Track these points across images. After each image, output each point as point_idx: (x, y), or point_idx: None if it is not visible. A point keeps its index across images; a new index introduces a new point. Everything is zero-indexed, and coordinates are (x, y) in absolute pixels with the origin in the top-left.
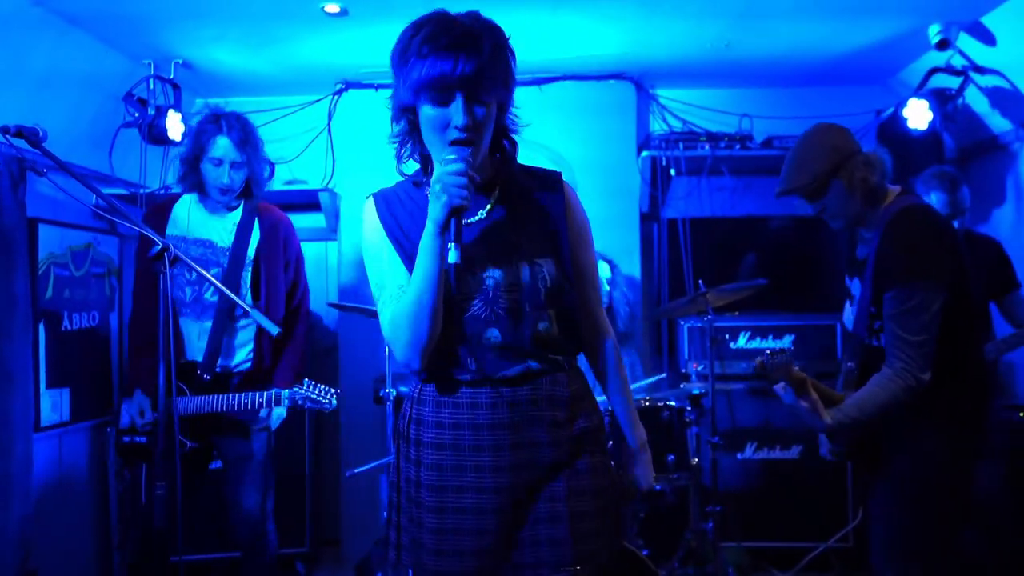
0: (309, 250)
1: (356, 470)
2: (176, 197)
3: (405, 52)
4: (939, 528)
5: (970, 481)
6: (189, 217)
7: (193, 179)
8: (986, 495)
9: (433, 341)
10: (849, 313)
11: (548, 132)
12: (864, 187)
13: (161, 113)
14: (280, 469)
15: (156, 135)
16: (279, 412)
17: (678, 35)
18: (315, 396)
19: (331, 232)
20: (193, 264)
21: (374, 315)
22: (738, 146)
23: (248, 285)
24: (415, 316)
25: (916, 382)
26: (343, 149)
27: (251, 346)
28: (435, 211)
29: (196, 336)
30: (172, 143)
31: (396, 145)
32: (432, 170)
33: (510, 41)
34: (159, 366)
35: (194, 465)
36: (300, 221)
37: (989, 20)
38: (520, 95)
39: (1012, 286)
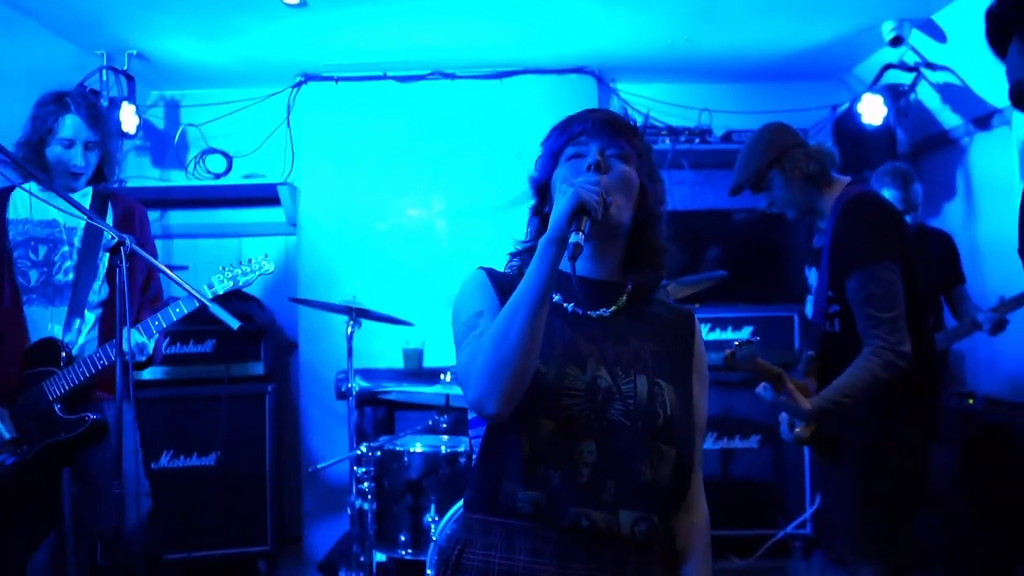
0: (268, 245)
1: (319, 465)
2: (12, 187)
3: (544, 144)
4: (897, 511)
5: (925, 465)
6: (31, 200)
7: (37, 165)
8: (940, 482)
9: (520, 378)
10: (810, 303)
11: (509, 126)
12: (801, 176)
13: (115, 105)
14: (241, 466)
15: None
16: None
17: (639, 30)
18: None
19: (290, 226)
20: (151, 259)
21: (336, 310)
22: (698, 140)
23: (104, 274)
24: (503, 334)
25: (896, 355)
26: (302, 142)
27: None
28: (558, 206)
29: (48, 324)
30: (127, 136)
31: (523, 253)
32: None
33: (647, 143)
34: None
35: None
36: (259, 216)
37: (940, 17)
38: (481, 89)
39: (958, 280)
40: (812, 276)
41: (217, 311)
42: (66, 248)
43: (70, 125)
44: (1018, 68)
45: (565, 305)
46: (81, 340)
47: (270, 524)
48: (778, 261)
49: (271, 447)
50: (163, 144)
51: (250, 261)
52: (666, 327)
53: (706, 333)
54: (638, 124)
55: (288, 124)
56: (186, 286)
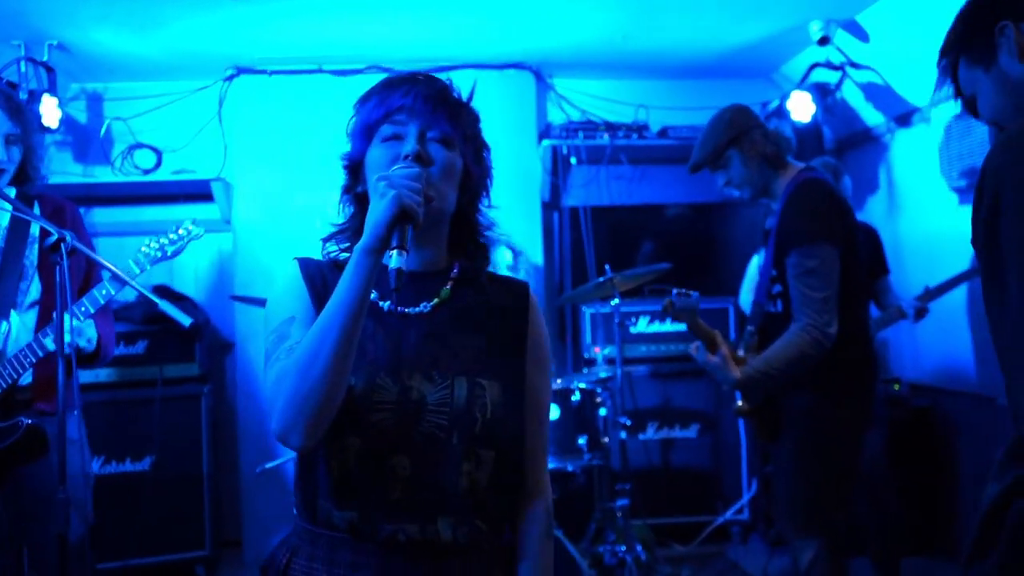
0: (201, 242)
1: (267, 465)
2: None
3: (356, 109)
4: (833, 491)
5: (860, 446)
6: None
7: None
8: (869, 463)
9: (328, 408)
10: (745, 292)
11: None
12: (759, 156)
13: (35, 98)
14: (177, 470)
15: None
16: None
17: (576, 26)
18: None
19: (224, 223)
20: (93, 256)
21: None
22: (635, 135)
23: (33, 274)
24: (312, 358)
25: (822, 335)
26: (235, 136)
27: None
28: (376, 211)
29: None
30: (48, 130)
31: (337, 236)
32: None
33: (476, 115)
34: None
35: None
36: (192, 212)
37: (863, 18)
38: None
39: (882, 271)
40: (753, 263)
41: (168, 308)
42: None
43: None
44: (967, 84)
45: (381, 304)
46: (10, 343)
47: (208, 528)
48: (713, 254)
49: (208, 449)
50: (86, 139)
51: (177, 228)
52: (496, 313)
53: (645, 326)
54: (467, 100)
55: (220, 118)
56: (126, 278)
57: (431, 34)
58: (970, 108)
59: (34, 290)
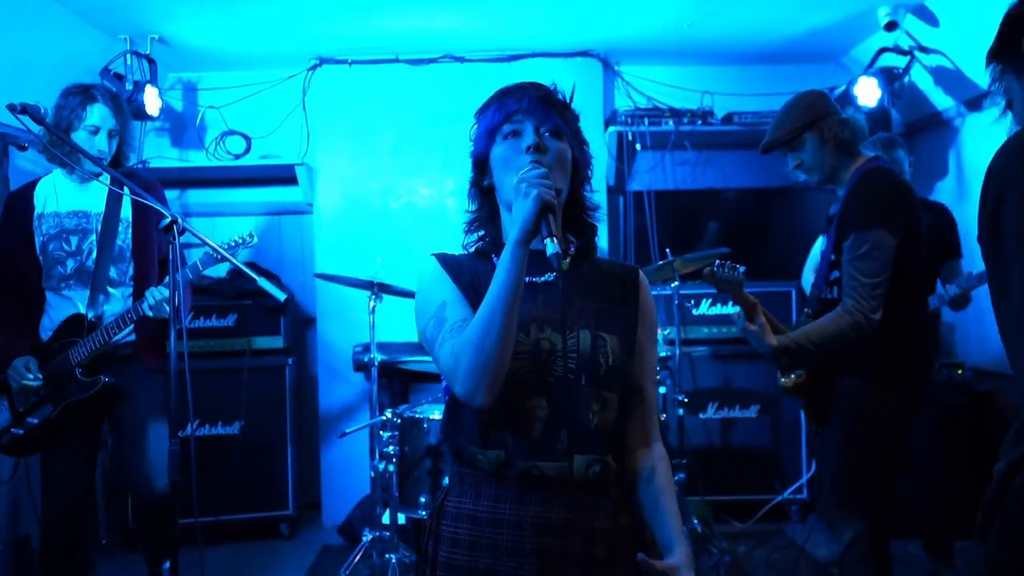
0: (286, 223)
1: (347, 431)
2: (35, 181)
3: (478, 116)
4: (875, 473)
5: (907, 433)
6: (57, 193)
7: (63, 151)
8: (919, 448)
9: (502, 371)
10: (807, 274)
11: None
12: (835, 141)
13: (139, 88)
14: (263, 435)
15: (134, 110)
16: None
17: (643, 15)
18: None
19: (307, 205)
20: (202, 237)
21: (359, 285)
22: (700, 122)
23: (130, 249)
24: (484, 334)
25: (865, 320)
26: (318, 123)
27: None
28: (523, 209)
29: (85, 305)
30: (150, 118)
31: (468, 221)
32: (496, 247)
33: (576, 115)
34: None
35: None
36: (277, 195)
37: (932, 3)
38: (492, 71)
39: (954, 254)
40: (816, 246)
41: (264, 284)
42: (93, 236)
43: (97, 114)
44: (1008, 89)
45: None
46: (108, 316)
47: (291, 490)
48: (775, 238)
49: (291, 416)
50: (181, 125)
51: (242, 236)
52: (611, 283)
53: (706, 308)
54: (567, 98)
55: (304, 106)
56: (228, 256)
57: (502, 24)
58: (1012, 111)
59: (131, 268)
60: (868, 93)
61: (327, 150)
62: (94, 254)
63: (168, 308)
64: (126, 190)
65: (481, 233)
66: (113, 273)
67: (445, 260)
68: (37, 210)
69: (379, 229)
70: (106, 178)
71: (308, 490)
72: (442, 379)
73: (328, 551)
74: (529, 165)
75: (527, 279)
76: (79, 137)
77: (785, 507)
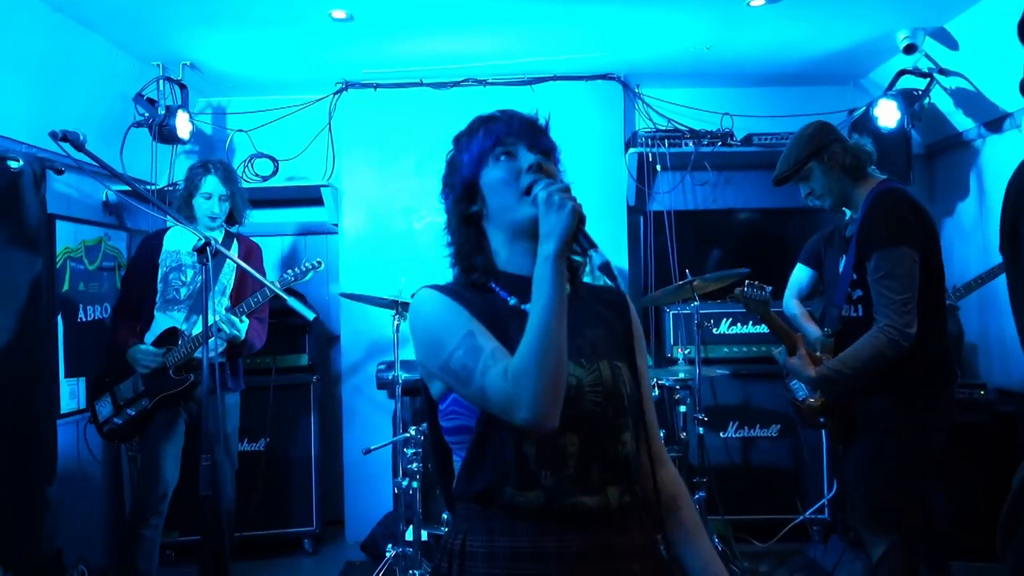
0: (312, 243)
1: (373, 447)
2: (166, 229)
3: (454, 150)
4: (904, 488)
5: (935, 447)
6: (181, 236)
7: (186, 213)
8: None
9: (564, 386)
10: (788, 298)
11: None
12: (839, 168)
13: (171, 113)
14: (288, 452)
15: (166, 134)
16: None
17: (662, 37)
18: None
19: (332, 226)
20: (232, 256)
21: (384, 305)
22: (720, 143)
23: (231, 288)
24: (544, 353)
25: (901, 336)
26: (343, 145)
27: (223, 346)
28: (559, 222)
29: (184, 323)
30: (181, 141)
31: (454, 252)
32: (489, 274)
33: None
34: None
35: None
36: (302, 215)
37: (952, 26)
38: (514, 94)
39: None
40: (838, 263)
41: (295, 304)
42: (200, 279)
43: (211, 183)
44: None
45: (522, 307)
46: (196, 330)
47: (315, 506)
48: (795, 258)
49: (316, 434)
50: (211, 148)
51: (308, 262)
52: (604, 307)
53: (726, 327)
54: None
55: (330, 129)
56: (270, 285)
57: (524, 48)
58: None
59: (226, 300)
60: (888, 115)
61: (352, 172)
62: (195, 285)
63: (228, 330)
64: (235, 242)
65: (470, 264)
66: (214, 301)
67: (445, 290)
68: (165, 248)
69: (403, 249)
70: (219, 235)
71: (332, 507)
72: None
73: (351, 567)
74: (545, 180)
75: (525, 307)
76: (198, 202)
77: (806, 527)
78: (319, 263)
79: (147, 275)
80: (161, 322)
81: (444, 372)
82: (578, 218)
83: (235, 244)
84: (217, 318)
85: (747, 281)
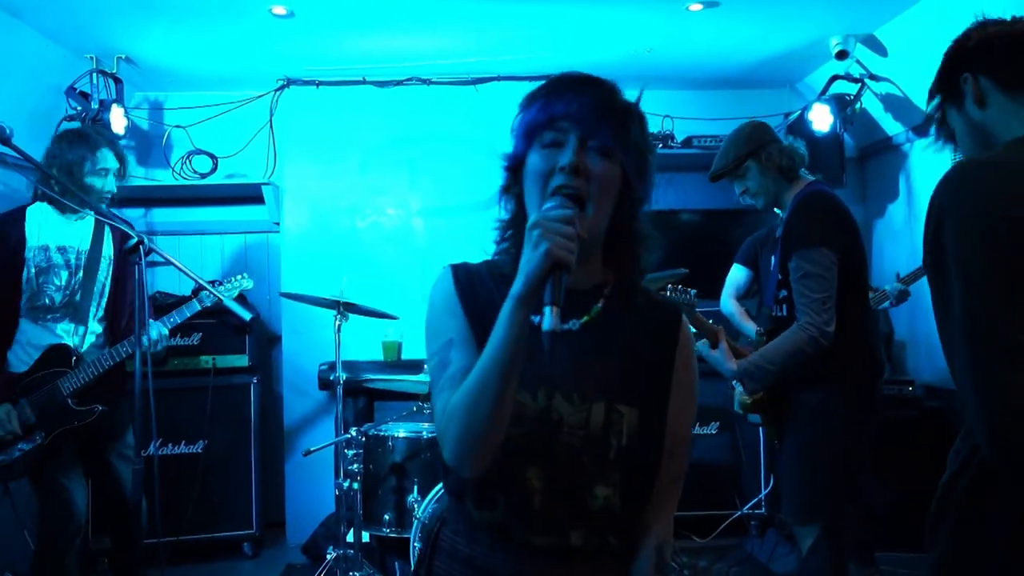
0: (252, 241)
1: (312, 449)
2: (22, 209)
3: (525, 104)
4: (836, 481)
5: (864, 439)
6: (45, 224)
7: (80, 196)
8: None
9: (494, 440)
10: (725, 297)
11: (483, 129)
12: (774, 168)
13: (105, 107)
14: (226, 453)
15: (99, 129)
16: (159, 328)
17: (603, 40)
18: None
19: (273, 224)
20: (168, 258)
21: (325, 305)
22: (661, 145)
23: (102, 290)
24: (475, 402)
25: (820, 333)
26: (284, 143)
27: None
28: (529, 262)
29: (69, 336)
30: (116, 136)
31: (499, 232)
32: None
33: (642, 119)
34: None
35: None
36: (243, 214)
37: (881, 33)
38: (458, 94)
39: None
40: (738, 269)
41: (232, 305)
42: (81, 274)
43: (108, 157)
44: (950, 122)
45: (532, 318)
46: (85, 347)
47: (255, 509)
48: (730, 259)
49: (256, 435)
50: (147, 144)
51: (236, 276)
52: (646, 333)
53: None
54: (634, 103)
55: (271, 126)
56: (204, 284)
57: (468, 48)
58: (953, 142)
59: (104, 304)
60: (821, 119)
61: (294, 170)
62: (76, 289)
63: (164, 345)
64: (107, 228)
65: (508, 244)
66: (93, 307)
67: (460, 277)
68: (29, 242)
69: (345, 248)
70: (89, 218)
71: (272, 509)
72: (412, 396)
73: (292, 570)
74: (553, 201)
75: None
76: (91, 179)
77: (744, 522)
78: (244, 276)
79: (4, 272)
80: (35, 334)
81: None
82: (551, 262)
83: (107, 228)
84: (153, 335)
85: (669, 285)
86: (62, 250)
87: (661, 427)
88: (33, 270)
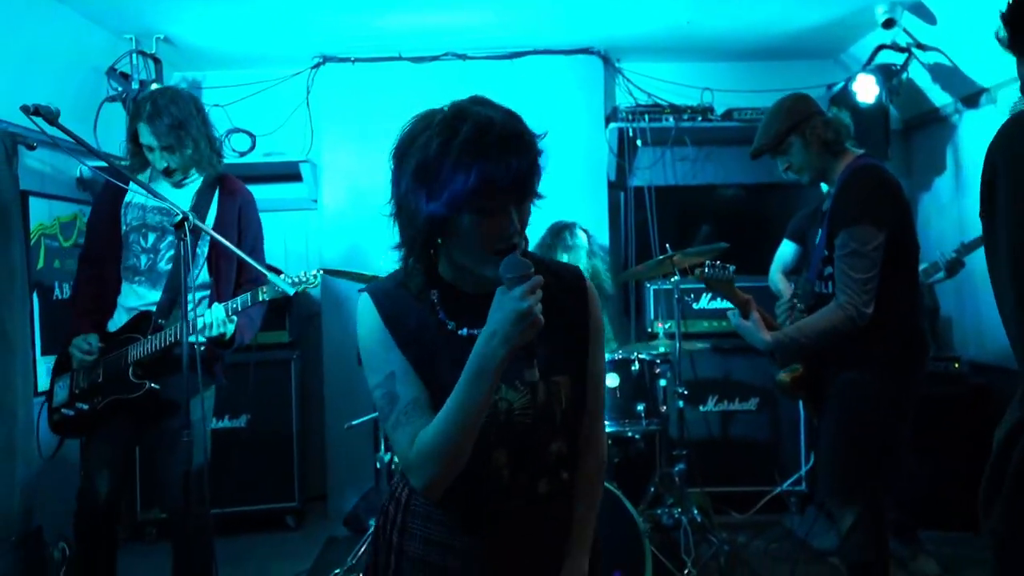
0: (291, 219)
1: (354, 422)
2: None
3: (429, 156)
4: (875, 462)
5: (904, 420)
6: (151, 184)
7: (142, 159)
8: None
9: (458, 468)
10: (774, 272)
11: (519, 105)
12: (819, 142)
13: (144, 87)
14: (270, 428)
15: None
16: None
17: (642, 11)
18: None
19: (311, 202)
20: (211, 232)
21: (358, 279)
22: (700, 118)
23: (205, 256)
24: (455, 447)
25: (857, 314)
26: (321, 120)
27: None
28: (513, 330)
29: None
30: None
31: (402, 253)
32: (430, 280)
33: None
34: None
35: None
36: (281, 192)
37: (930, 1)
38: (494, 68)
39: None
40: (787, 245)
41: (276, 280)
42: (171, 238)
43: (144, 133)
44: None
45: (459, 332)
46: (170, 316)
47: (297, 482)
48: (775, 233)
49: (297, 410)
50: None
51: (305, 273)
52: (558, 301)
53: (706, 302)
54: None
55: (308, 104)
56: (259, 267)
57: (503, 22)
58: None
59: (204, 276)
60: (866, 90)
61: (331, 147)
62: (167, 257)
63: (219, 331)
64: (216, 194)
65: (413, 267)
66: (182, 276)
67: (383, 305)
68: (127, 198)
69: (383, 224)
70: (198, 181)
71: (314, 482)
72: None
73: (333, 542)
74: (509, 273)
75: (471, 332)
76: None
77: (784, 498)
78: (317, 275)
79: (107, 229)
80: (125, 295)
81: (372, 394)
82: (535, 331)
83: (216, 194)
84: (207, 319)
85: (708, 261)
86: (158, 211)
87: (586, 381)
88: (125, 227)
